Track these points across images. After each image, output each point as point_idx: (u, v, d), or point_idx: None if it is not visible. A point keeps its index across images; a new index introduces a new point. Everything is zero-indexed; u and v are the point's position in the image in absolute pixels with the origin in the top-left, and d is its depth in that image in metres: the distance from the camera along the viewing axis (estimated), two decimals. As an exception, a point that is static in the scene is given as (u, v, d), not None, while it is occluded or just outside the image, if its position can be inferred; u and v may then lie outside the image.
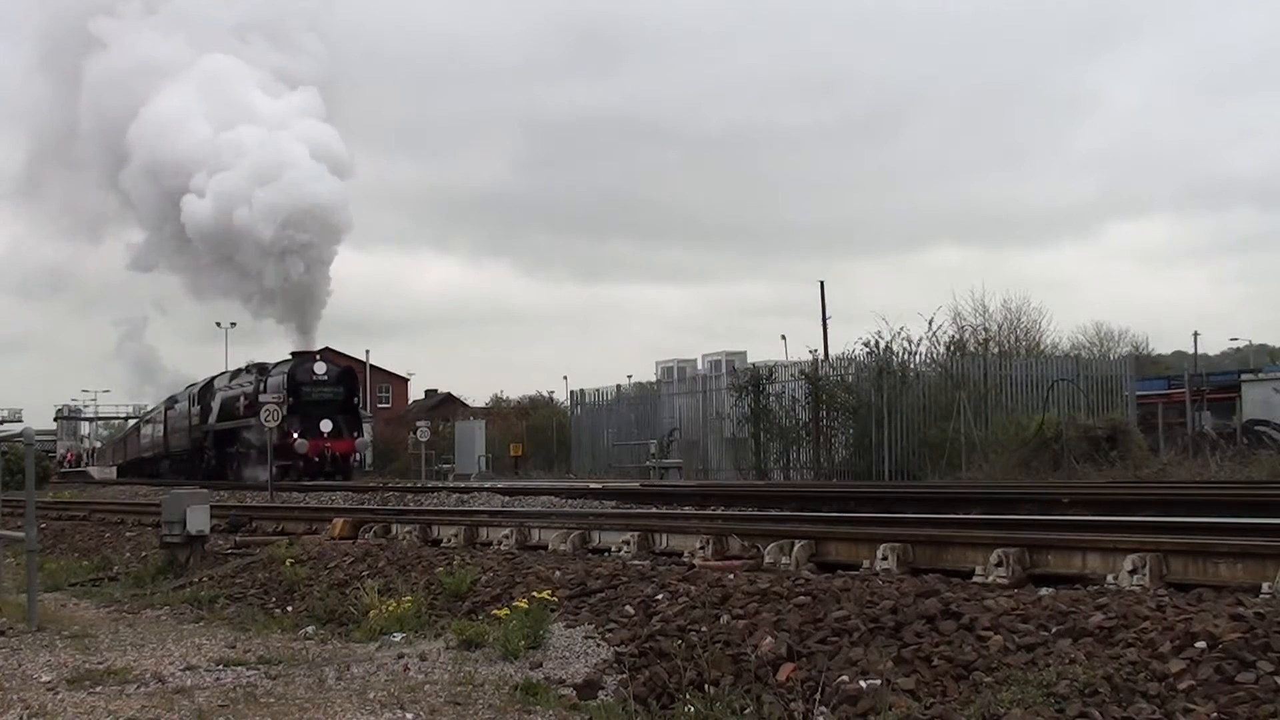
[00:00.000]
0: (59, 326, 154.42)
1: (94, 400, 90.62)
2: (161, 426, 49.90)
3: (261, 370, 37.08)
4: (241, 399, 37.71)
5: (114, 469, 64.62)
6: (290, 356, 35.63)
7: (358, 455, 35.48)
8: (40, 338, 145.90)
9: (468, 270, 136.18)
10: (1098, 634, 5.63)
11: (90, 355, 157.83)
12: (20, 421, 74.21)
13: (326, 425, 33.73)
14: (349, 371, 36.06)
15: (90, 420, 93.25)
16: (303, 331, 35.79)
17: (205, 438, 41.50)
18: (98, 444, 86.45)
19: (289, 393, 33.54)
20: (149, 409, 59.03)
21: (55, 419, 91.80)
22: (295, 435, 32.87)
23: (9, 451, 14.94)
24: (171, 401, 48.82)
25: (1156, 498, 13.32)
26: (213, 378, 43.21)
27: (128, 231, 42.57)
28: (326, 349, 39.38)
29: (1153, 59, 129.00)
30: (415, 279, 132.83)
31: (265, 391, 34.57)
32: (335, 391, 34.64)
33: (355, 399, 35.85)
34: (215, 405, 40.64)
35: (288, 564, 11.29)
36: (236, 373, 40.25)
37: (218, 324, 60.99)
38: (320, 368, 34.64)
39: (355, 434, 34.82)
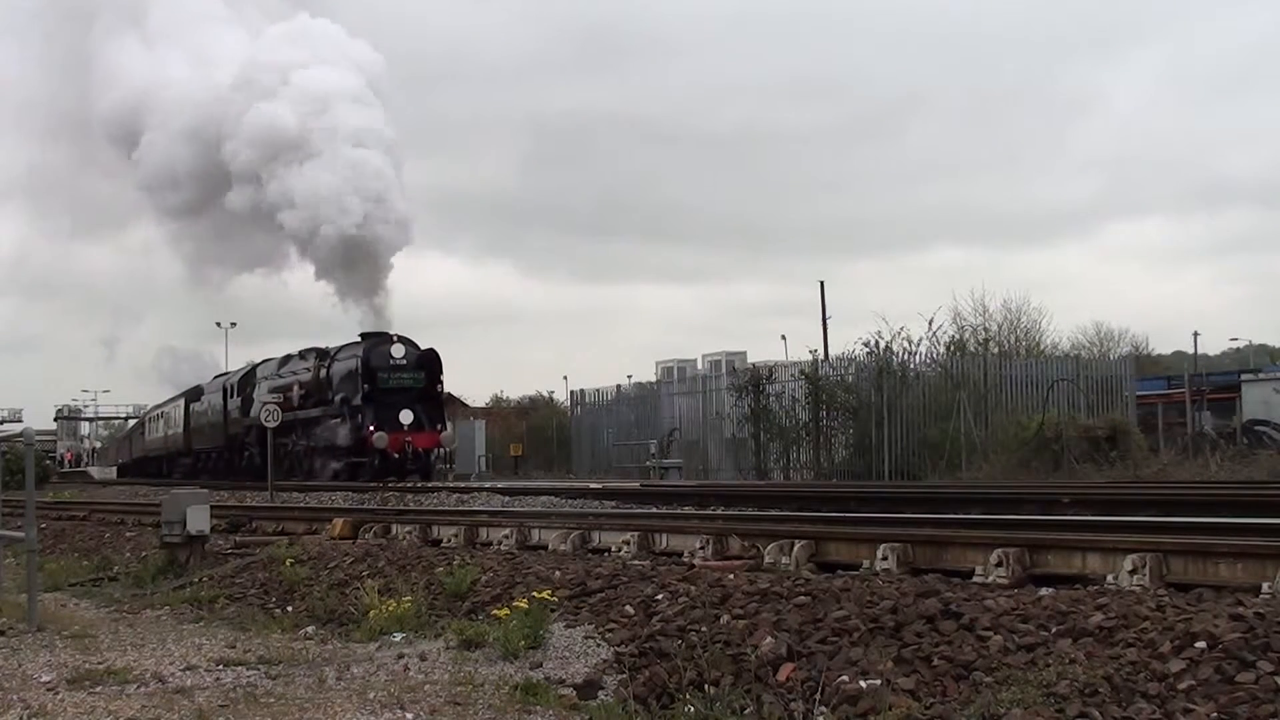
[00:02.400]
0: (59, 327, 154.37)
1: (94, 400, 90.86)
2: (180, 421, 45.22)
3: (321, 355, 32.55)
4: (296, 388, 33.12)
5: (114, 469, 62.99)
6: (359, 339, 31.20)
7: (443, 451, 31.03)
8: (41, 338, 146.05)
9: (469, 270, 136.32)
10: (1098, 634, 5.63)
11: (90, 355, 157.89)
12: (20, 421, 74.18)
13: (407, 417, 29.21)
14: (431, 354, 30.66)
15: (90, 420, 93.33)
16: (374, 307, 31.42)
17: (247, 433, 36.64)
18: (98, 444, 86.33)
19: (363, 380, 29.52)
20: (155, 404, 54.89)
21: (55, 419, 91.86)
22: (372, 429, 28.71)
23: (9, 451, 14.94)
24: (194, 394, 44.16)
25: (1156, 498, 13.31)
26: (254, 365, 38.33)
27: (136, 226, 41.26)
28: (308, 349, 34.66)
29: (1153, 60, 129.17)
30: (417, 279, 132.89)
31: (331, 378, 30.97)
32: (415, 377, 29.94)
33: (438, 386, 30.73)
34: (259, 395, 35.78)
35: (288, 564, 11.30)
36: (286, 359, 35.65)
37: (218, 324, 61.06)
38: (398, 350, 29.90)
39: (439, 426, 30.23)
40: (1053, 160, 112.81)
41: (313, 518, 16.57)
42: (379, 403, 29.30)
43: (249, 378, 37.77)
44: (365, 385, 29.43)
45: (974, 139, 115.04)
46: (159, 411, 52.05)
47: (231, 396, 38.73)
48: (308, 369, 32.73)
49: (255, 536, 15.62)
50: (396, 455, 28.76)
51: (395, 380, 29.71)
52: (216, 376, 43.36)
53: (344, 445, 29.79)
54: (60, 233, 60.42)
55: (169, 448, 48.01)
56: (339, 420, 30.12)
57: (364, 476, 27.94)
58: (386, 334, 30.57)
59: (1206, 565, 6.94)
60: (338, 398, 30.46)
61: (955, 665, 5.71)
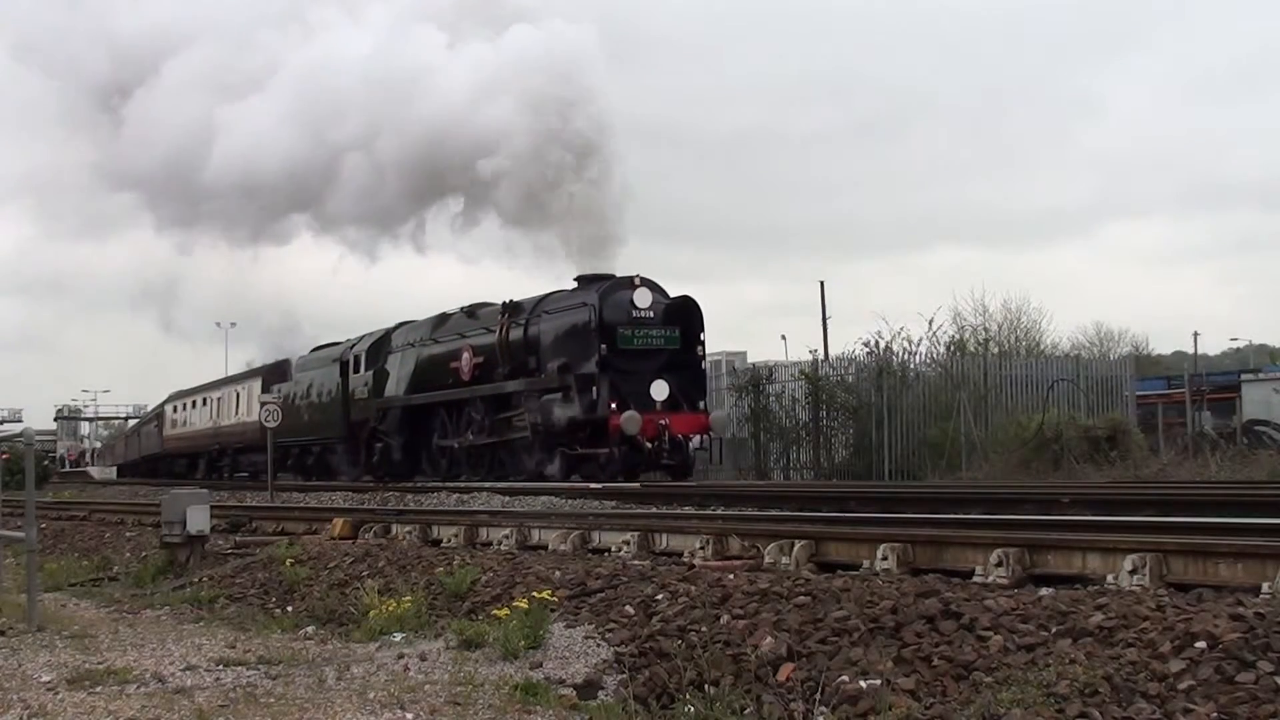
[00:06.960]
0: (61, 327, 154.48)
1: (94, 400, 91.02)
2: (244, 408, 36.42)
3: (513, 309, 23.83)
4: (467, 355, 24.67)
5: (113, 470, 60.85)
6: (575, 284, 22.93)
7: (710, 436, 22.70)
8: (42, 337, 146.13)
9: (470, 270, 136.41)
10: (1098, 634, 5.63)
11: (91, 355, 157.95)
12: (20, 421, 74.22)
13: (660, 390, 21.32)
14: (687, 304, 22.35)
15: (90, 420, 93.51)
16: (600, 243, 23.05)
17: (381, 419, 28.01)
18: (97, 444, 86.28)
19: (599, 338, 21.38)
20: (184, 389, 45.47)
21: (55, 419, 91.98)
22: (613, 406, 20.84)
23: (9, 451, 14.96)
24: (273, 372, 35.24)
25: (1156, 498, 13.29)
26: (389, 330, 29.24)
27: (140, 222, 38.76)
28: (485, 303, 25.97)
29: (1153, 60, 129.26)
30: (417, 279, 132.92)
31: (537, 338, 22.89)
32: (668, 335, 21.81)
33: (699, 349, 22.39)
34: (403, 369, 27.32)
35: (288, 564, 11.31)
36: (443, 318, 27.03)
37: (217, 324, 60.85)
38: (643, 297, 21.66)
39: (701, 404, 22.28)
40: (1053, 161, 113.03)
41: (313, 518, 16.58)
42: (618, 371, 21.32)
43: (380, 347, 29.00)
44: (602, 346, 21.31)
45: (974, 139, 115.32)
46: (197, 398, 42.80)
47: (355, 371, 29.73)
48: (488, 329, 24.40)
49: (255, 536, 15.64)
50: (650, 444, 20.93)
51: (641, 339, 21.59)
52: (315, 349, 34.58)
53: (568, 430, 21.65)
54: (63, 233, 60.14)
55: (222, 440, 39.15)
56: (557, 396, 21.89)
57: (597, 473, 20.91)
58: (622, 276, 22.21)
59: (1206, 565, 6.93)
60: (553, 365, 22.03)
61: (955, 665, 5.71)
